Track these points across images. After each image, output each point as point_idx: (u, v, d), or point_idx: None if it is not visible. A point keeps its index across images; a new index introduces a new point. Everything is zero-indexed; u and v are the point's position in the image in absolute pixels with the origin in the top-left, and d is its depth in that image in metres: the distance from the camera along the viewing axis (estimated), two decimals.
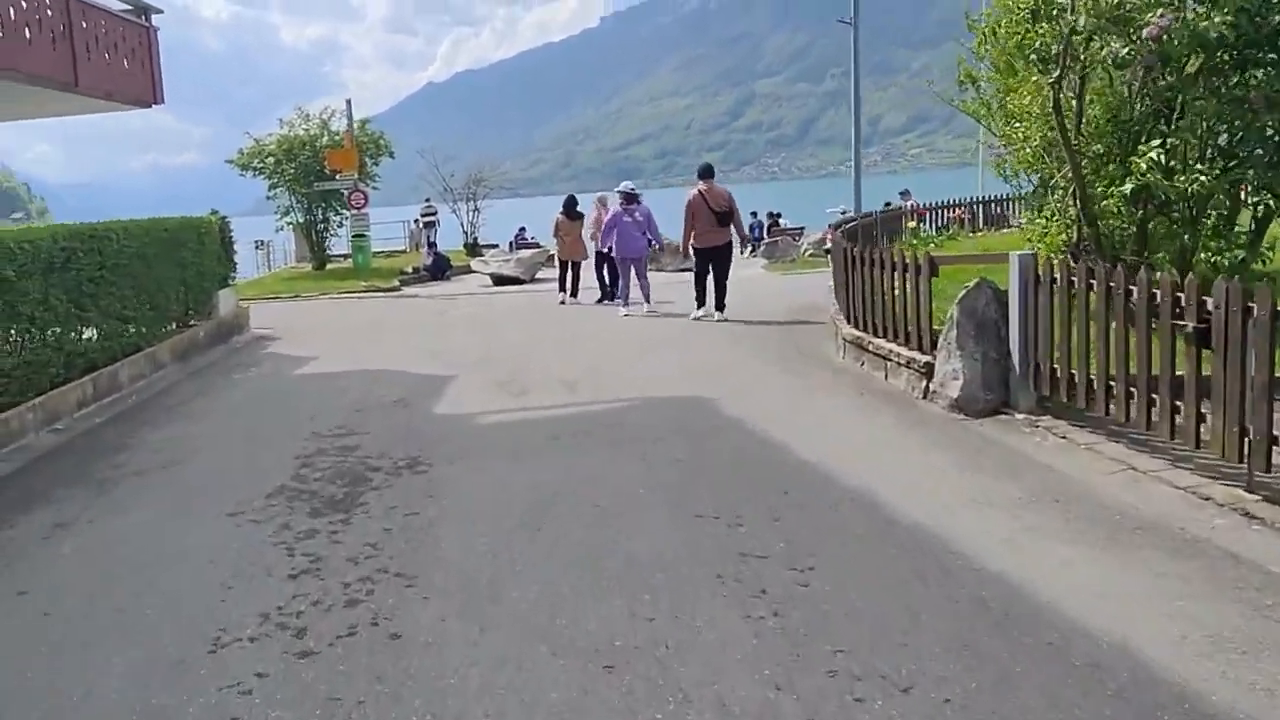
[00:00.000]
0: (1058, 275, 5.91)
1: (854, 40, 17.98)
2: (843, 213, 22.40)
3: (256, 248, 25.73)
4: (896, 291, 7.51)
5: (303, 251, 23.55)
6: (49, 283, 7.94)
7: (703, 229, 11.65)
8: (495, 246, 25.03)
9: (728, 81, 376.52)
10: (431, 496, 5.55)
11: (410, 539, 4.88)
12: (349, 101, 20.90)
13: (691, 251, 12.05)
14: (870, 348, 7.83)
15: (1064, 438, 5.86)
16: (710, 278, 11.71)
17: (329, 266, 22.04)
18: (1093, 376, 5.71)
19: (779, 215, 24.81)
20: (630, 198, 12.84)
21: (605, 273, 14.29)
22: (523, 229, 26.49)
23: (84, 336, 8.70)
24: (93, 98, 10.50)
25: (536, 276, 18.86)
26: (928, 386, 6.91)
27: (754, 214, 25.07)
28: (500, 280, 18.75)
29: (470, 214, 26.08)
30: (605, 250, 13.56)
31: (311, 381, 9.48)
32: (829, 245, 13.05)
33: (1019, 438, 6.01)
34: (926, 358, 6.97)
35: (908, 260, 7.34)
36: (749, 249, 21.04)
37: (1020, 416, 6.33)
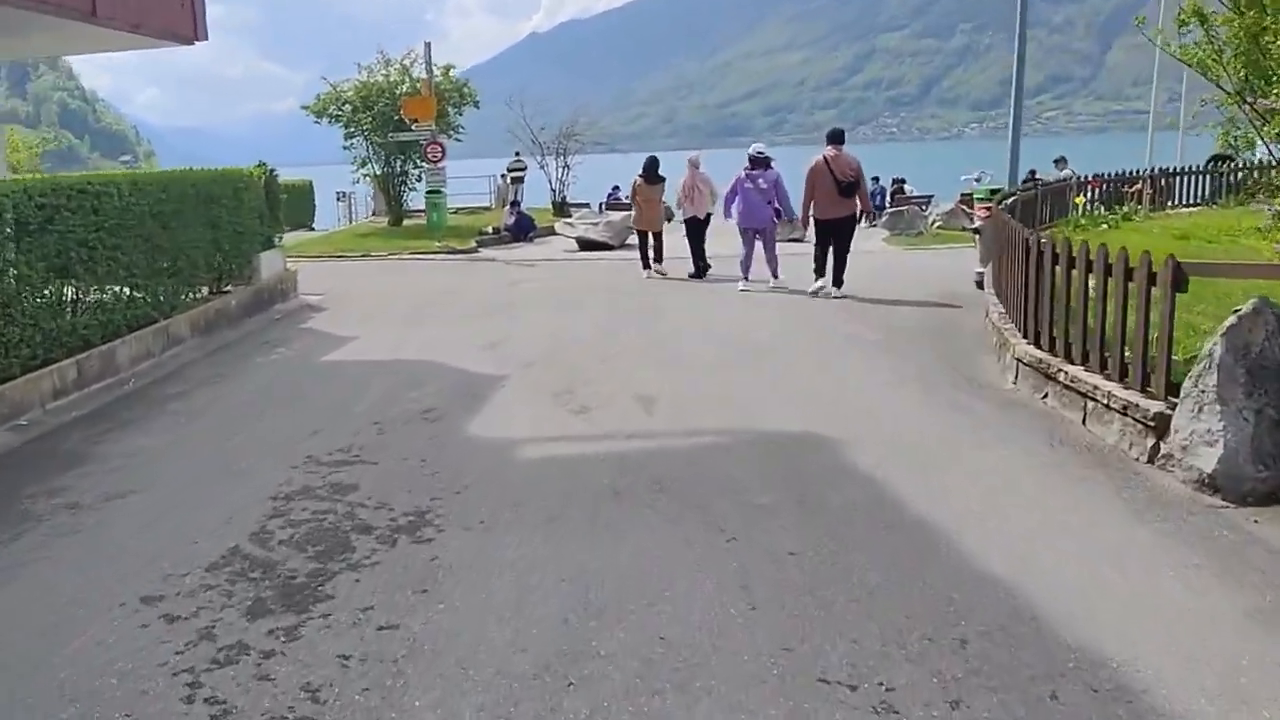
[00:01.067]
0: None
1: None
2: (976, 180, 19.62)
3: (338, 199, 24.62)
4: (1111, 304, 5.31)
5: (380, 205, 22.15)
6: (20, 248, 6.52)
7: (824, 199, 10.37)
8: (585, 206, 23.16)
9: (846, 35, 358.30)
10: (425, 592, 3.82)
11: (372, 682, 3.19)
12: (428, 45, 19.06)
13: (811, 223, 10.68)
14: (1061, 378, 5.65)
15: None
16: (830, 252, 10.49)
17: (406, 223, 20.50)
18: None
19: (903, 181, 22.11)
20: (757, 162, 11.10)
21: (699, 243, 12.38)
22: (616, 188, 24.55)
23: (78, 308, 7.33)
24: (117, 30, 9.06)
25: (626, 242, 16.96)
26: (1157, 446, 4.75)
27: (875, 179, 22.47)
28: (586, 245, 16.94)
29: (560, 170, 24.18)
30: (725, 217, 11.67)
31: (337, 373, 7.88)
32: (978, 224, 10.72)
33: None
34: (1158, 406, 4.80)
35: (1132, 263, 5.11)
36: (871, 218, 18.74)
37: None
